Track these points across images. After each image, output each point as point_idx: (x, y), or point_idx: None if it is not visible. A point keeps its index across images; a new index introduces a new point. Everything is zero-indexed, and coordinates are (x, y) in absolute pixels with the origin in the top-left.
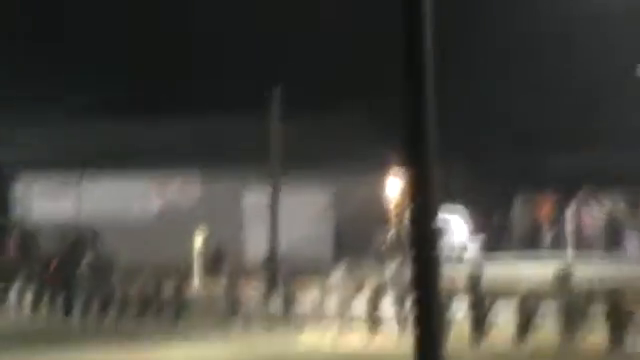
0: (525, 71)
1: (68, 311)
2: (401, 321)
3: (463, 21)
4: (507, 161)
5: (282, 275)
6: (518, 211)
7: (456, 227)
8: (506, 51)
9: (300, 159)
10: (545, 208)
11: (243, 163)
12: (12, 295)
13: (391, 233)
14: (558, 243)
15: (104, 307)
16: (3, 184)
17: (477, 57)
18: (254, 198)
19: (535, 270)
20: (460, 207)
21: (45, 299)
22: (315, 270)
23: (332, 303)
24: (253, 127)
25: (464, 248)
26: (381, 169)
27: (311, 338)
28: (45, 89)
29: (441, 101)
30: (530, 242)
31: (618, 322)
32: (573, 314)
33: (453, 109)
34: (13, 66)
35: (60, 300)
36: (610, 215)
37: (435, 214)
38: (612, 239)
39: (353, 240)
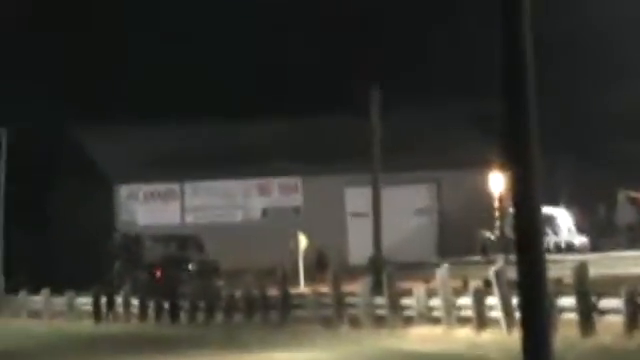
0: (630, 57)
1: (175, 317)
2: (508, 318)
3: (560, 7)
4: (610, 155)
5: (387, 273)
6: (622, 207)
7: (562, 222)
8: (610, 36)
9: (401, 155)
10: None
11: (344, 162)
12: (120, 301)
13: (495, 229)
14: None
15: (210, 311)
16: (109, 191)
17: (578, 44)
18: (356, 196)
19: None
20: (564, 203)
21: (152, 305)
22: (420, 266)
23: (438, 301)
24: (353, 125)
25: (571, 243)
26: (484, 164)
27: (418, 336)
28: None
29: (544, 93)
30: (634, 239)
31: None
32: None
33: (557, 102)
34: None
35: (167, 306)
36: None
37: (539, 211)
38: None
39: (457, 235)
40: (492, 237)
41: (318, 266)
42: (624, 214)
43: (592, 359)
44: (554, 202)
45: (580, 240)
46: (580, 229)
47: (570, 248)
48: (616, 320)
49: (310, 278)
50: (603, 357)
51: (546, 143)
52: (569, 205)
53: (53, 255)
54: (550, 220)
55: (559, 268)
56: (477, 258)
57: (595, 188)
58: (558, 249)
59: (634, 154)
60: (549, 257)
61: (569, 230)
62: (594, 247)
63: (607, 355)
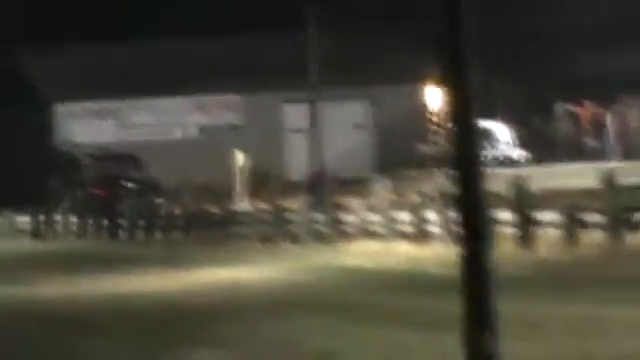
0: None
1: (114, 234)
2: (447, 232)
3: None
4: (543, 67)
5: (326, 189)
6: (559, 120)
7: (500, 135)
8: None
9: (337, 71)
10: (586, 115)
11: (281, 79)
12: (58, 220)
13: (433, 143)
14: (602, 152)
15: (150, 229)
16: (45, 110)
17: None
18: (294, 112)
19: (580, 179)
20: (501, 117)
21: (90, 223)
22: (358, 182)
23: (377, 216)
24: (289, 43)
25: (510, 156)
26: (421, 79)
27: (358, 251)
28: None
29: (480, 11)
30: (573, 152)
31: None
32: (619, 215)
33: (494, 20)
34: None
35: (106, 224)
36: None
37: (475, 124)
38: None
39: (394, 151)
40: (429, 151)
41: (259, 185)
42: (561, 127)
43: (530, 271)
44: (491, 116)
45: (518, 153)
46: (518, 143)
47: (509, 161)
48: (554, 233)
49: (249, 196)
50: (541, 269)
51: (482, 58)
52: (506, 119)
53: None
54: (488, 134)
55: (497, 181)
56: (415, 173)
57: (531, 102)
58: (497, 162)
59: (567, 69)
60: (487, 171)
61: (507, 144)
62: (532, 160)
63: (545, 267)
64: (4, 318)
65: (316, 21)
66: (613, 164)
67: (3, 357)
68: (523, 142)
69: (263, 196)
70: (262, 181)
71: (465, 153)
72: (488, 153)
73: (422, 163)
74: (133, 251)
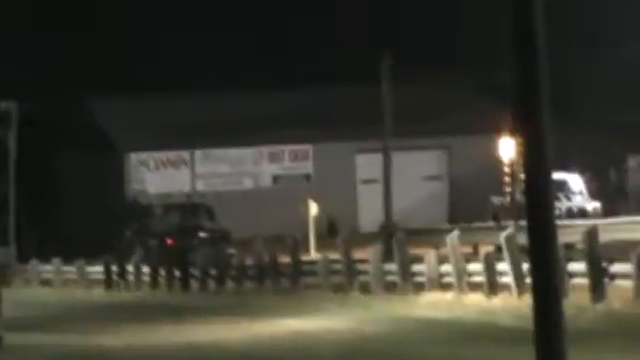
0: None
1: (186, 285)
2: (519, 283)
3: None
4: (618, 117)
5: (398, 239)
6: (633, 172)
7: (575, 187)
8: None
9: (412, 122)
10: None
11: (354, 128)
12: (131, 270)
13: (506, 195)
14: None
15: (221, 279)
16: (120, 159)
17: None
18: (367, 162)
19: None
20: (577, 169)
21: (163, 273)
22: (431, 232)
23: (448, 267)
24: (364, 92)
25: (584, 208)
26: (494, 130)
27: (429, 302)
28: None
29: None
30: None
31: None
32: None
33: (565, 68)
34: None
35: (178, 274)
36: None
37: (550, 176)
38: None
39: (467, 201)
40: (503, 203)
41: (329, 232)
42: (635, 179)
43: (603, 324)
44: (566, 168)
45: (592, 205)
46: (592, 195)
47: (583, 213)
48: (627, 285)
49: (321, 245)
50: (614, 322)
51: (556, 109)
52: (581, 171)
53: (64, 224)
54: (562, 185)
55: (571, 233)
56: (488, 224)
57: (606, 154)
58: (571, 214)
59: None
60: (561, 222)
61: (582, 195)
62: (606, 212)
63: (618, 320)
64: None
65: (391, 71)
66: None
67: None
68: (596, 194)
69: (335, 246)
70: (334, 231)
71: (538, 204)
72: (562, 205)
73: (495, 214)
74: (205, 301)
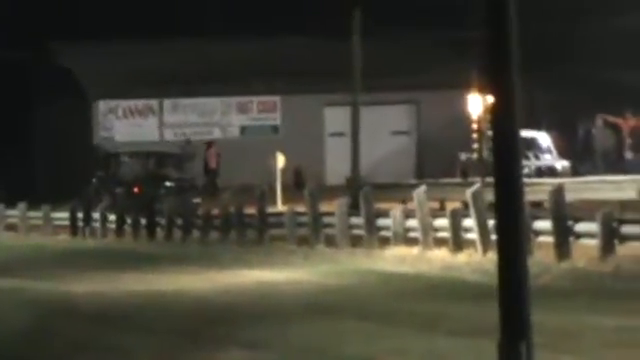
0: None
1: (152, 233)
2: (484, 240)
3: None
4: (585, 81)
5: (364, 193)
6: (600, 131)
7: (544, 146)
8: None
9: (381, 76)
10: (627, 127)
11: (323, 82)
12: (97, 217)
13: (474, 151)
14: None
15: (187, 228)
16: (88, 107)
17: None
18: (335, 115)
19: (619, 191)
20: (545, 127)
21: (129, 221)
22: (398, 187)
23: (414, 222)
24: (334, 46)
25: (553, 166)
26: (463, 86)
27: (394, 256)
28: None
29: (524, 19)
30: (614, 164)
31: None
32: None
33: (537, 28)
34: None
35: (144, 222)
36: None
37: (518, 134)
38: None
39: (435, 156)
40: (471, 159)
41: (295, 184)
42: (602, 138)
43: (566, 282)
44: (535, 126)
45: (561, 164)
46: (561, 153)
47: (552, 172)
48: (592, 244)
49: (288, 197)
50: (577, 280)
51: (526, 67)
52: (549, 129)
53: (31, 170)
54: (532, 143)
55: (540, 192)
56: (456, 180)
57: (574, 113)
58: (540, 173)
59: (612, 80)
60: (531, 181)
61: (551, 154)
62: (575, 171)
63: (581, 278)
64: (42, 314)
65: (360, 26)
66: None
67: (40, 352)
68: (564, 153)
69: (301, 198)
70: (300, 182)
71: (506, 161)
72: (531, 163)
73: (464, 171)
74: (170, 250)
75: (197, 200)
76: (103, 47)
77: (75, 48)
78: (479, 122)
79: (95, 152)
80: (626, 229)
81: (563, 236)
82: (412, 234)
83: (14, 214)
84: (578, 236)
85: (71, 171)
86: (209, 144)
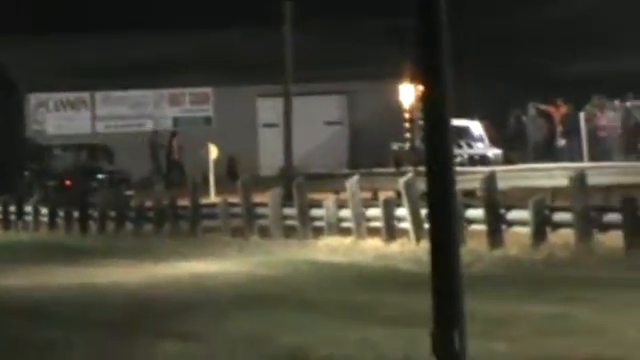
0: None
1: (85, 226)
2: (417, 229)
3: None
4: (517, 70)
5: (297, 183)
6: (531, 119)
7: (476, 134)
8: None
9: (313, 68)
10: (558, 115)
11: (255, 73)
12: (29, 210)
13: (407, 141)
14: (573, 152)
15: (120, 221)
16: (18, 100)
17: None
18: (268, 107)
19: (551, 179)
20: (477, 116)
21: (61, 214)
22: (331, 177)
23: (347, 212)
24: (264, 38)
25: (485, 155)
26: (395, 76)
27: (328, 246)
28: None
29: (455, 9)
30: (545, 152)
31: (634, 225)
32: (588, 215)
33: (468, 19)
34: None
35: (76, 215)
36: (627, 119)
37: (448, 123)
38: (630, 144)
39: (368, 147)
40: (403, 148)
41: (229, 174)
42: (534, 126)
43: (499, 270)
44: (467, 115)
45: (494, 152)
46: (493, 142)
47: (484, 160)
48: (524, 232)
49: (221, 188)
50: (510, 268)
51: (456, 56)
52: (481, 118)
53: None
54: (464, 132)
55: (472, 180)
56: (388, 170)
57: (506, 101)
58: (472, 161)
59: (544, 69)
60: (463, 169)
61: (483, 142)
62: (507, 159)
63: (514, 266)
64: None
65: (292, 17)
66: (583, 164)
67: None
68: (496, 141)
69: (235, 189)
70: (234, 171)
71: (437, 150)
72: (464, 152)
73: (395, 160)
74: (103, 243)
75: (130, 192)
76: (34, 40)
77: (5, 41)
78: (411, 111)
79: (27, 145)
80: (558, 216)
81: (495, 224)
82: (345, 224)
83: None
84: (510, 224)
85: (2, 164)
86: (172, 134)
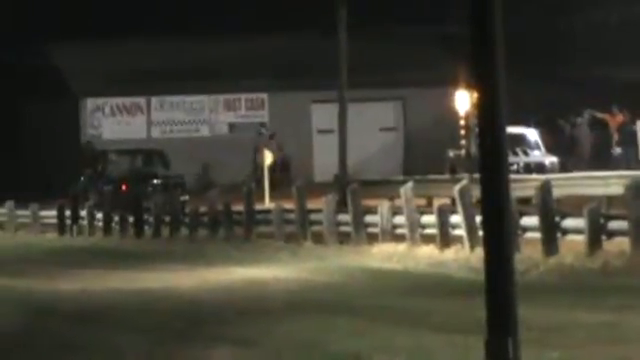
0: None
1: (140, 231)
2: (471, 236)
3: None
4: (575, 77)
5: (351, 190)
6: (588, 127)
7: (532, 142)
8: None
9: (368, 72)
10: (614, 122)
11: (310, 78)
12: (84, 215)
13: (462, 148)
14: (629, 160)
15: (175, 226)
16: (76, 105)
17: None
18: (323, 112)
19: (607, 187)
20: (534, 123)
21: (116, 219)
22: (385, 184)
23: (402, 218)
24: (320, 43)
25: (541, 163)
26: (450, 83)
27: (382, 253)
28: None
29: (510, 13)
30: (601, 160)
31: None
32: None
33: (523, 22)
34: None
35: (131, 220)
36: None
37: (504, 130)
38: None
39: (422, 153)
40: (459, 155)
41: (282, 170)
42: (586, 133)
43: (553, 278)
44: (524, 122)
45: (550, 160)
46: (548, 149)
47: (540, 168)
48: (579, 240)
49: (275, 194)
50: (564, 276)
51: (512, 63)
52: (538, 125)
53: (18, 168)
54: (520, 140)
55: (528, 188)
56: (444, 177)
57: (563, 109)
58: (528, 169)
59: (603, 76)
60: (519, 177)
61: (539, 150)
62: (563, 167)
63: (568, 274)
64: (29, 313)
65: (347, 23)
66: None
67: (27, 352)
68: (552, 149)
69: (289, 196)
70: (287, 169)
71: (491, 157)
72: (520, 159)
73: (451, 167)
74: (158, 248)
75: (185, 197)
76: (90, 45)
77: (61, 46)
78: (467, 118)
79: (83, 150)
80: (613, 225)
81: (550, 232)
82: (399, 231)
83: (1, 212)
84: (565, 232)
85: (59, 169)
86: (271, 136)
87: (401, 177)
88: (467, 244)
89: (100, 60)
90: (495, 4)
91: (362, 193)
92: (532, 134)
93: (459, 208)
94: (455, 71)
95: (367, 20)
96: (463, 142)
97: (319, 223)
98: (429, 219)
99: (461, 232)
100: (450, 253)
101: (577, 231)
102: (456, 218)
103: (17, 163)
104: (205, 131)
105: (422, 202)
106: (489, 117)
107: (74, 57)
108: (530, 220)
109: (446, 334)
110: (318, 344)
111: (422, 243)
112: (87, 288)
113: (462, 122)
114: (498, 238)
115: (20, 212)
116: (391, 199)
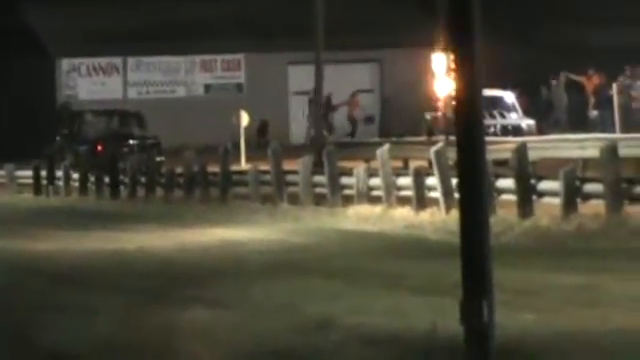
0: None
1: (115, 191)
2: (447, 199)
3: None
4: (550, 37)
5: (328, 151)
6: (563, 89)
7: (510, 105)
8: None
9: (344, 34)
10: (590, 85)
11: (287, 40)
12: (60, 175)
13: (437, 110)
14: (605, 123)
15: (151, 187)
16: (51, 65)
17: None
18: (299, 74)
19: (582, 151)
20: (510, 86)
21: (92, 180)
22: (362, 146)
23: (378, 180)
24: (295, 5)
25: (518, 125)
26: (427, 45)
27: (357, 214)
28: None
29: None
30: (577, 122)
31: None
32: (619, 187)
33: None
34: None
35: (107, 180)
36: None
37: (479, 92)
38: None
39: (399, 115)
40: (436, 117)
41: (259, 132)
42: (561, 95)
43: (529, 240)
44: (500, 85)
45: (526, 122)
46: (525, 112)
47: (517, 130)
48: (554, 202)
49: (251, 155)
50: (540, 238)
51: (488, 26)
52: (514, 88)
53: None
54: (497, 102)
55: (505, 150)
56: (420, 139)
57: (540, 72)
58: (505, 132)
59: (580, 39)
60: (496, 139)
61: (516, 112)
62: (540, 130)
63: (544, 236)
64: (4, 273)
65: None
66: (615, 136)
67: (3, 312)
68: (528, 111)
69: (265, 157)
70: (264, 132)
71: (468, 120)
72: (497, 122)
73: (428, 129)
74: (133, 209)
75: (161, 158)
76: (66, 5)
77: (37, 6)
78: (443, 81)
79: (58, 111)
80: (588, 187)
81: (526, 194)
82: (375, 193)
83: None
84: (541, 194)
85: (34, 130)
86: (354, 93)
87: (377, 139)
88: (443, 206)
89: (76, 20)
90: None
91: (338, 155)
92: (509, 97)
93: (435, 170)
94: (432, 33)
95: None
96: (440, 104)
97: (295, 184)
98: (405, 181)
99: (437, 194)
100: (426, 215)
101: (553, 194)
102: (432, 180)
103: None
104: (181, 92)
105: (398, 164)
106: (465, 79)
107: (50, 17)
108: (506, 182)
109: (422, 296)
110: (294, 306)
111: (398, 205)
112: (63, 248)
113: (439, 84)
114: (474, 201)
115: None
116: (367, 161)
